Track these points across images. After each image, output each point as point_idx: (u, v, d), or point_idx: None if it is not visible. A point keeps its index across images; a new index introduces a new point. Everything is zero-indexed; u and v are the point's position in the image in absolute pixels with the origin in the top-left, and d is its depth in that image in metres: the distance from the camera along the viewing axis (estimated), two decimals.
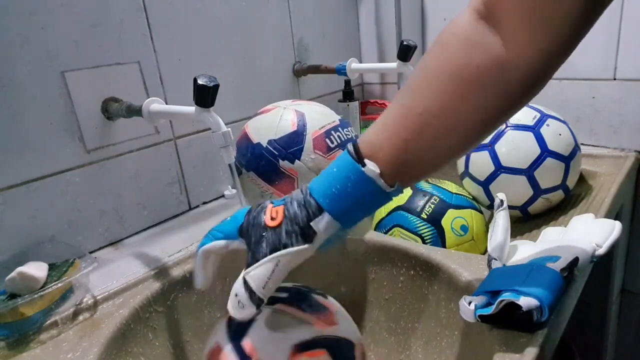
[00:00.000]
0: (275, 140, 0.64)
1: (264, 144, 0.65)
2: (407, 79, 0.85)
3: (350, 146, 0.40)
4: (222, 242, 0.45)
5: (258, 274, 0.41)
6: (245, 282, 0.41)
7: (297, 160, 0.64)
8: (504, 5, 0.36)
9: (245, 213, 0.44)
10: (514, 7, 0.35)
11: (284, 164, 0.64)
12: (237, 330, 0.47)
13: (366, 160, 0.39)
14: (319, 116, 0.67)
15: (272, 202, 0.43)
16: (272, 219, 0.42)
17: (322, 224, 0.40)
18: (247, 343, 0.45)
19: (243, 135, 0.68)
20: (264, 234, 0.41)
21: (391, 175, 0.40)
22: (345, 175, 0.40)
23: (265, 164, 0.64)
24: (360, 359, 0.49)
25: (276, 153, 0.64)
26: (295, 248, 0.41)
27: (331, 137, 0.66)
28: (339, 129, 0.68)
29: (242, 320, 0.42)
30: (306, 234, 0.41)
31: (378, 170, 0.39)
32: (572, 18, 0.34)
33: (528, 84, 0.37)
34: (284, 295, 0.50)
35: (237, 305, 0.42)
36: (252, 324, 0.46)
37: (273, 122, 0.66)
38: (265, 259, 0.40)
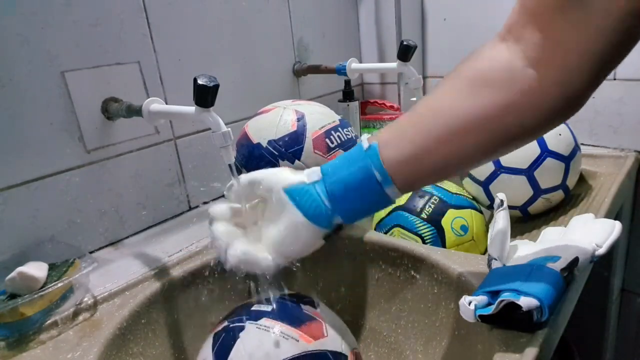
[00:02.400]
0: (275, 141, 0.64)
1: (264, 144, 0.65)
2: (408, 79, 0.85)
3: (370, 149, 0.42)
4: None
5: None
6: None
7: (297, 161, 0.64)
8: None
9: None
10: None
11: (284, 164, 0.64)
12: (222, 347, 0.47)
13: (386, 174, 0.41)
14: (319, 116, 0.67)
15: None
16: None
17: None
18: None
19: (243, 135, 0.68)
20: None
21: (402, 184, 0.42)
22: (361, 194, 0.42)
23: (265, 164, 0.64)
24: None
25: (276, 153, 0.64)
26: None
27: (331, 137, 0.66)
28: (339, 129, 0.68)
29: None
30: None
31: (392, 182, 0.41)
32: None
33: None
34: (268, 308, 0.49)
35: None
36: (237, 341, 0.46)
37: (273, 122, 0.66)
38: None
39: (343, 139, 0.67)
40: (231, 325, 0.49)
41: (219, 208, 0.48)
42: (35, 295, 0.50)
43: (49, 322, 0.52)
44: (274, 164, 0.64)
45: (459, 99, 0.39)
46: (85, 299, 0.56)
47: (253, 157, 0.65)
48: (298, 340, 0.46)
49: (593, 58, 0.34)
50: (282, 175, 0.45)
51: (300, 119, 0.66)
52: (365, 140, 0.43)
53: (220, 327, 0.50)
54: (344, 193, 0.42)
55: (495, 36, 0.40)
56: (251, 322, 0.48)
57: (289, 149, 0.64)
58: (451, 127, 0.39)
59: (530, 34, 0.36)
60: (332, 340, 0.48)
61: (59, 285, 0.52)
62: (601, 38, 0.33)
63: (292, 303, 0.51)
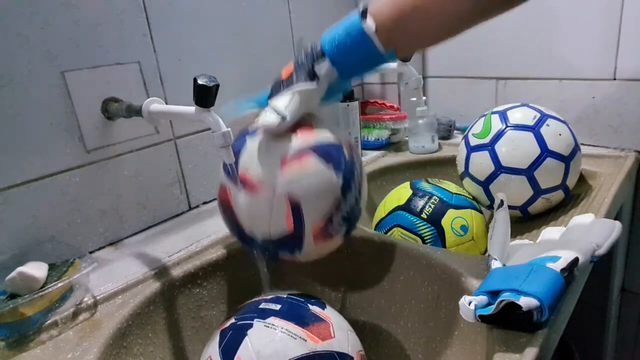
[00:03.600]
0: (271, 241, 0.53)
1: (259, 239, 0.54)
2: (408, 79, 0.85)
3: (361, 5, 0.49)
4: (253, 108, 0.56)
5: (279, 100, 0.51)
6: (271, 107, 0.51)
7: (297, 252, 0.55)
8: None
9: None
10: None
11: (283, 254, 0.56)
12: (229, 344, 0.47)
13: (368, 17, 0.48)
14: (318, 199, 0.51)
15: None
16: (287, 71, 0.53)
17: (323, 69, 0.50)
18: (238, 358, 0.45)
19: (228, 207, 0.55)
20: (281, 85, 0.53)
21: (386, 37, 0.48)
22: (348, 27, 0.50)
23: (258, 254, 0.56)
24: None
25: (274, 252, 0.55)
26: (303, 84, 0.51)
27: (333, 221, 0.53)
28: (342, 203, 0.52)
29: (269, 127, 0.51)
30: (312, 75, 0.51)
31: (374, 28, 0.48)
32: None
33: None
34: (277, 307, 0.49)
35: (265, 116, 0.51)
36: (244, 338, 0.46)
37: (263, 212, 0.52)
38: (284, 92, 0.52)
39: (348, 214, 0.54)
40: (239, 323, 0.49)
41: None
42: (35, 295, 0.50)
43: (49, 322, 0.52)
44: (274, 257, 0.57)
45: None
46: (85, 299, 0.56)
47: (247, 246, 0.56)
48: (306, 340, 0.46)
49: None
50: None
51: (296, 212, 0.51)
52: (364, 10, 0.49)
53: (227, 324, 0.50)
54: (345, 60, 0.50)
55: None
56: (259, 320, 0.48)
57: (287, 249, 0.54)
58: None
59: None
60: (339, 341, 0.48)
61: (59, 285, 0.52)
62: None
63: (300, 303, 0.51)
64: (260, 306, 0.50)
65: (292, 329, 0.47)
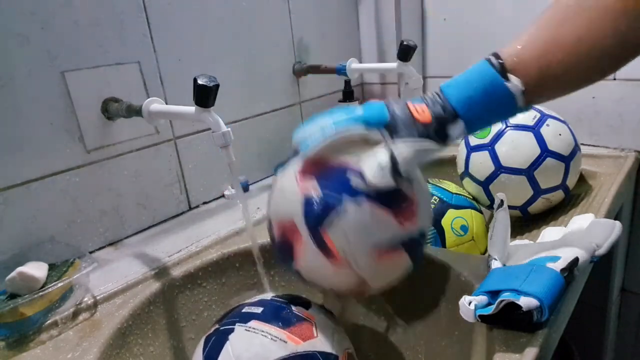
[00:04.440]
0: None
1: (311, 285, 0.52)
2: (408, 79, 0.85)
3: (492, 58, 0.42)
4: (361, 129, 0.44)
5: (403, 149, 0.42)
6: (392, 155, 0.42)
7: None
8: None
9: (383, 108, 0.45)
10: None
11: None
12: (211, 351, 0.47)
13: (510, 75, 0.41)
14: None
15: (410, 100, 0.45)
16: (420, 112, 0.44)
17: (457, 130, 0.43)
18: None
19: (287, 249, 0.48)
20: (411, 127, 0.43)
21: (529, 96, 0.42)
22: (487, 87, 0.42)
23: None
24: None
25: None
26: (435, 145, 0.43)
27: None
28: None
29: (378, 187, 0.42)
30: (443, 136, 0.43)
31: (522, 87, 0.41)
32: None
33: None
34: (259, 310, 0.49)
35: (377, 174, 0.42)
36: (226, 344, 0.46)
37: (332, 277, 0.48)
38: (414, 140, 0.42)
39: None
40: (221, 329, 0.49)
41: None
42: (35, 295, 0.50)
43: (49, 322, 0.52)
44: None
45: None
46: (85, 299, 0.56)
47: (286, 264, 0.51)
48: (286, 342, 0.46)
49: None
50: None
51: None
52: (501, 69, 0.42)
53: (211, 330, 0.50)
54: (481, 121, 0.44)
55: None
56: (240, 324, 0.48)
57: None
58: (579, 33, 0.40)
59: None
60: (322, 341, 0.48)
61: (59, 285, 0.52)
62: None
63: (283, 304, 0.51)
64: (243, 310, 0.50)
65: (273, 331, 0.46)
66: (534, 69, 0.41)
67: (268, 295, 0.53)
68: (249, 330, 0.47)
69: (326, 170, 0.45)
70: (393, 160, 0.42)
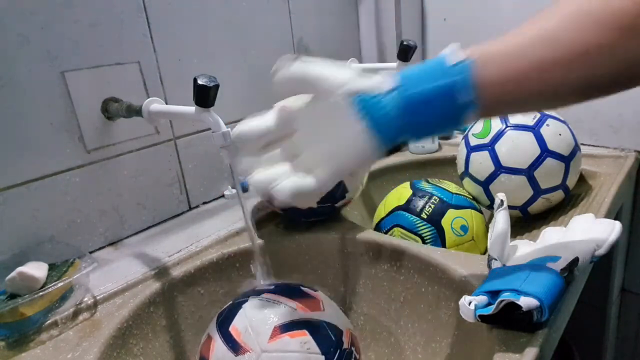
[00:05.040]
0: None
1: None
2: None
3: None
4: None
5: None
6: None
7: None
8: None
9: None
10: None
11: None
12: (225, 318, 0.50)
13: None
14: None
15: None
16: None
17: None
18: (233, 328, 0.48)
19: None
20: None
21: (482, 114, 0.39)
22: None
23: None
24: (349, 344, 0.50)
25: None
26: None
27: None
28: None
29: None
30: None
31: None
32: None
33: None
34: (271, 287, 0.53)
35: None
36: (239, 311, 0.49)
37: None
38: None
39: None
40: (235, 302, 0.52)
41: (245, 130, 0.43)
42: (35, 295, 0.50)
43: (49, 322, 0.52)
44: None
45: (566, 30, 0.36)
46: (85, 299, 0.56)
47: None
48: (295, 309, 0.49)
49: None
50: (347, 77, 0.38)
51: None
52: (453, 53, 0.39)
53: (225, 306, 0.53)
54: (419, 109, 0.37)
55: None
56: (254, 296, 0.51)
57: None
58: (555, 56, 0.36)
59: None
60: (329, 314, 0.51)
61: (59, 285, 0.52)
62: None
63: (293, 285, 0.55)
64: (256, 288, 0.54)
65: (284, 300, 0.50)
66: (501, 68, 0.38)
67: (278, 282, 0.56)
68: (262, 300, 0.50)
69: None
70: None
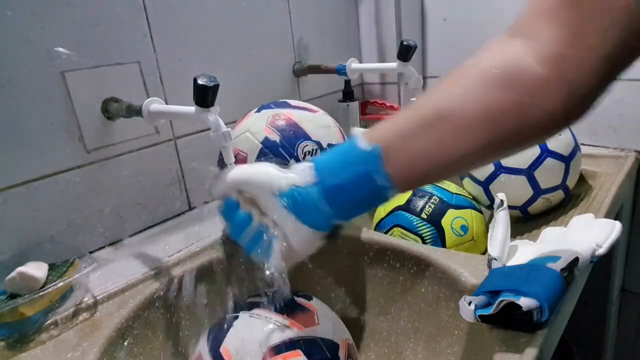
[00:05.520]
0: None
1: (324, 145, 0.64)
2: (408, 79, 0.85)
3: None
4: None
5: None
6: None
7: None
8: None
9: None
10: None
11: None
12: (216, 337, 0.48)
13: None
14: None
15: None
16: None
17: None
18: (224, 349, 0.46)
19: (290, 123, 0.63)
20: None
21: (401, 191, 0.41)
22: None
23: None
24: (345, 357, 0.49)
25: None
26: None
27: None
28: None
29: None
30: None
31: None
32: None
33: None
34: (263, 300, 0.51)
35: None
36: (230, 329, 0.48)
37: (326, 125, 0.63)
38: None
39: None
40: (226, 317, 0.50)
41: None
42: (35, 295, 0.50)
43: (49, 322, 0.52)
44: None
45: (466, 100, 0.37)
46: (85, 299, 0.56)
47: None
48: (289, 327, 0.47)
49: (605, 53, 0.34)
50: (271, 176, 0.42)
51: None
52: (361, 136, 0.40)
53: (216, 322, 0.52)
54: (342, 197, 0.40)
55: (505, 33, 0.38)
56: (244, 312, 0.50)
57: None
58: (458, 129, 0.37)
59: (545, 30, 0.34)
60: (323, 328, 0.49)
61: (59, 285, 0.52)
62: (614, 34, 0.33)
63: (286, 295, 0.52)
64: (247, 300, 0.53)
65: (276, 317, 0.48)
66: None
67: (270, 290, 0.54)
68: (252, 317, 0.49)
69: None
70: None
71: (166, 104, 0.64)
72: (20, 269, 0.52)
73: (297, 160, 0.58)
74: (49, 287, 0.51)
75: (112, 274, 0.61)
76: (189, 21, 0.77)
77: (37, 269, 0.53)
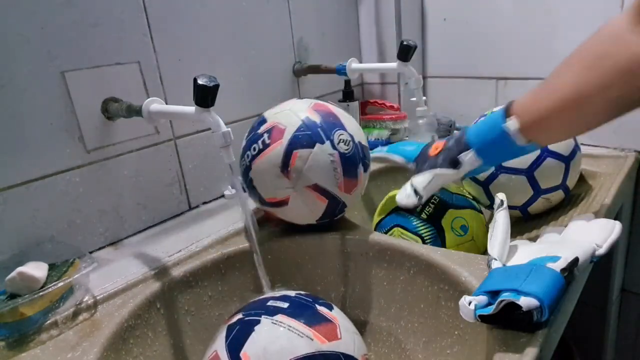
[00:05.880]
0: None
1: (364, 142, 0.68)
2: (408, 79, 0.85)
3: (507, 104, 0.55)
4: (402, 159, 0.69)
5: (419, 180, 0.61)
6: (411, 184, 0.62)
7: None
8: None
9: (420, 147, 0.66)
10: None
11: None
12: (236, 339, 0.46)
13: (510, 119, 0.53)
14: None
15: (438, 139, 0.64)
16: (435, 149, 0.62)
17: (467, 157, 0.57)
18: (244, 354, 0.45)
19: (329, 113, 0.66)
20: (427, 160, 0.62)
21: (527, 135, 0.53)
22: (491, 125, 0.55)
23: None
24: None
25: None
26: (446, 170, 0.59)
27: None
28: None
29: (406, 206, 0.62)
30: (455, 162, 0.58)
31: (518, 126, 0.52)
32: None
33: None
34: (284, 305, 0.49)
35: (404, 196, 0.61)
36: (252, 334, 0.46)
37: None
38: (426, 172, 0.61)
39: None
40: (246, 319, 0.48)
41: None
42: (35, 295, 0.50)
43: (49, 322, 0.52)
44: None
45: (603, 87, 0.46)
46: (85, 299, 0.56)
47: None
48: (312, 339, 0.46)
49: None
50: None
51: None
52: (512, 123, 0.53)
53: (234, 320, 0.49)
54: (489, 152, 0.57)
55: (629, 18, 0.44)
56: (267, 316, 0.48)
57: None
58: (594, 114, 0.49)
59: None
60: (346, 343, 0.48)
61: (59, 285, 0.52)
62: None
63: (308, 303, 0.51)
64: (268, 303, 0.50)
65: (300, 327, 0.46)
66: (529, 114, 0.52)
67: (292, 292, 0.53)
68: (275, 324, 0.47)
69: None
70: (413, 187, 0.61)
71: (166, 104, 0.64)
72: (20, 269, 0.52)
73: (332, 143, 0.62)
74: (49, 287, 0.51)
75: (112, 274, 0.61)
76: (189, 21, 0.77)
77: (37, 269, 0.53)
